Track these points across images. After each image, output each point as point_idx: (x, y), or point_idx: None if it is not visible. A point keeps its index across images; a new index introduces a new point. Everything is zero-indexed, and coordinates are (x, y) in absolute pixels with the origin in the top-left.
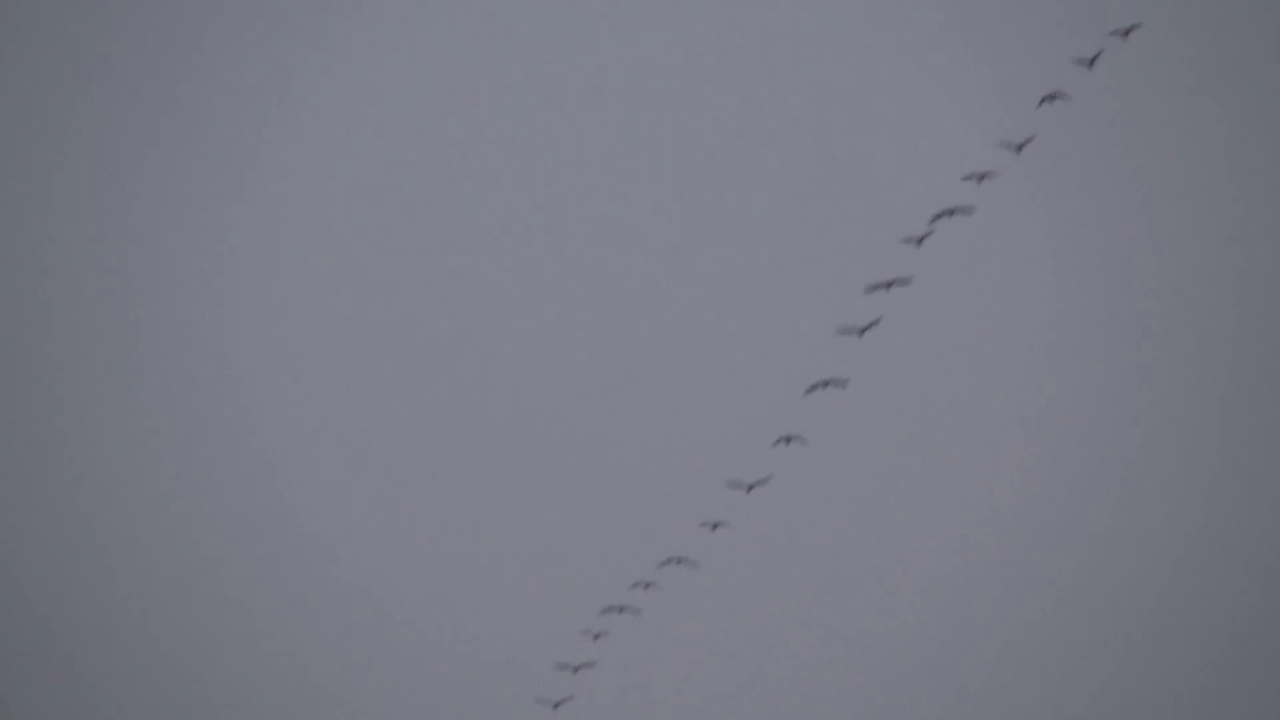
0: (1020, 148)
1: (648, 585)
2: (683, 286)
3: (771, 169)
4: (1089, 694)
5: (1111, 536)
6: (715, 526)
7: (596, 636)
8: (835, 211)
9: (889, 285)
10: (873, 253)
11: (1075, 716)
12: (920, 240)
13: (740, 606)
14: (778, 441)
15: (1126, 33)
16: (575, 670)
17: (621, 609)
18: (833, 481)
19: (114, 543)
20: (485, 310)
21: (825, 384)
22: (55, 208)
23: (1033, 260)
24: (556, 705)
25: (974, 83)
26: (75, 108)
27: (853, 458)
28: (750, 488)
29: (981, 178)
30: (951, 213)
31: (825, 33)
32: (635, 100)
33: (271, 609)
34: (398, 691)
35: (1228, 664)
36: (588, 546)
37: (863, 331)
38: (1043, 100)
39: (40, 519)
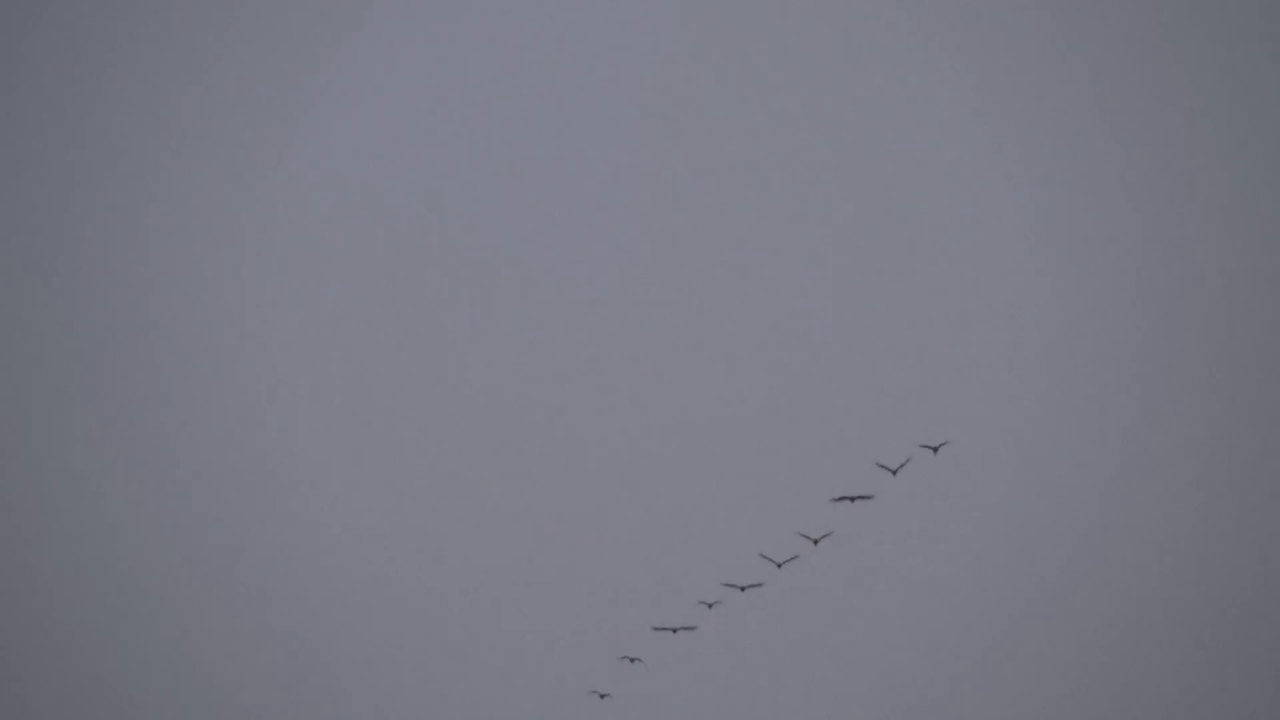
0: None
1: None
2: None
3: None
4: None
5: (1107, 553)
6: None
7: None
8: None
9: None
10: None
11: None
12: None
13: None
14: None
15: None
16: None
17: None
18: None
19: (124, 540)
20: (499, 313)
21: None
22: (65, 211)
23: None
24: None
25: None
26: (83, 112)
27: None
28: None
29: None
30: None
31: None
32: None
33: (286, 607)
34: (409, 688)
35: (1227, 664)
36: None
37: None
38: None
39: (46, 514)
